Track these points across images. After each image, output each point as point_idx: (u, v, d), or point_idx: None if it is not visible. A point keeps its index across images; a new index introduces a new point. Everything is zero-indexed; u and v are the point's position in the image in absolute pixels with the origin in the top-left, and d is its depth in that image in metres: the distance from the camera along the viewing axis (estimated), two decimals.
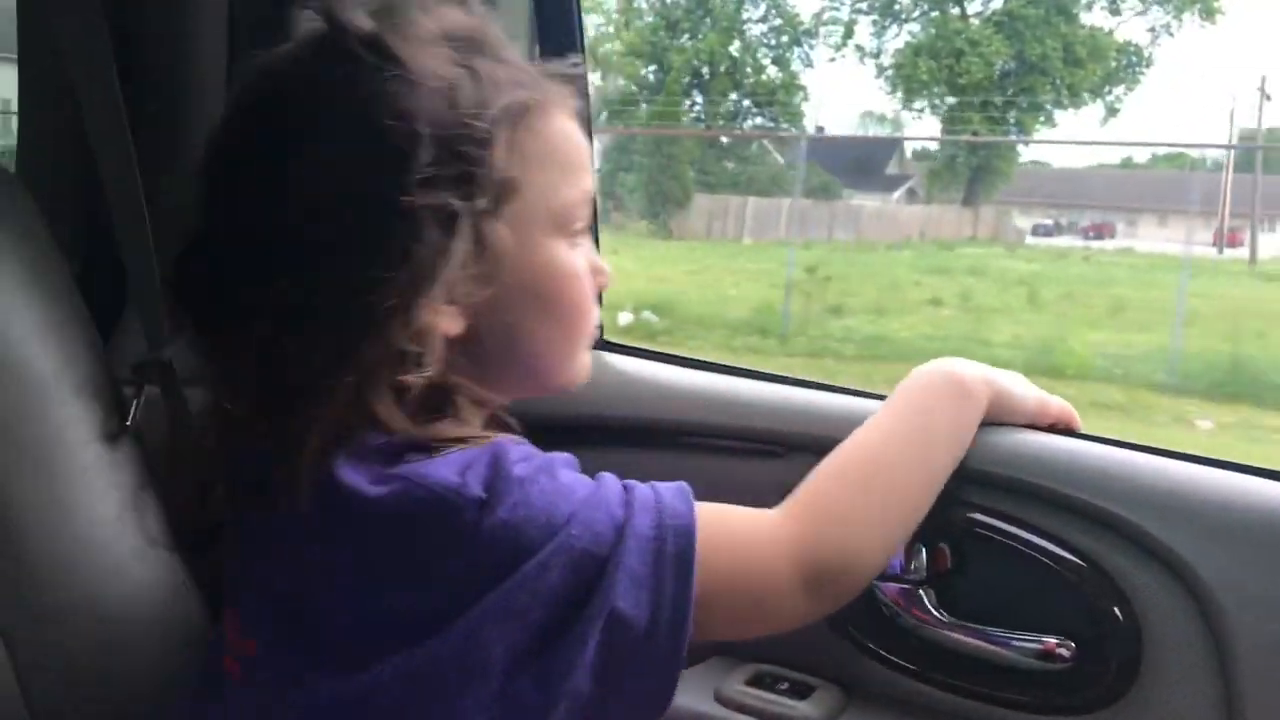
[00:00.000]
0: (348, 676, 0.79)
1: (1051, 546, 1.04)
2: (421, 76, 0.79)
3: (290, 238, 0.80)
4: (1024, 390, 1.07)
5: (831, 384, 1.22)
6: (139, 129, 1.18)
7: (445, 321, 0.81)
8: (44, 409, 1.12)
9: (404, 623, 0.78)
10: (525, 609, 0.76)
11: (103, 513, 1.14)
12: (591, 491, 0.81)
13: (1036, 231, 20.81)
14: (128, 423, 1.19)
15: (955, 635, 1.07)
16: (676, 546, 0.80)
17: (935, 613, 1.08)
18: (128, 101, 1.17)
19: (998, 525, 1.06)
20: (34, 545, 1.07)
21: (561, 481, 0.81)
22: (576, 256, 0.90)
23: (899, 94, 19.38)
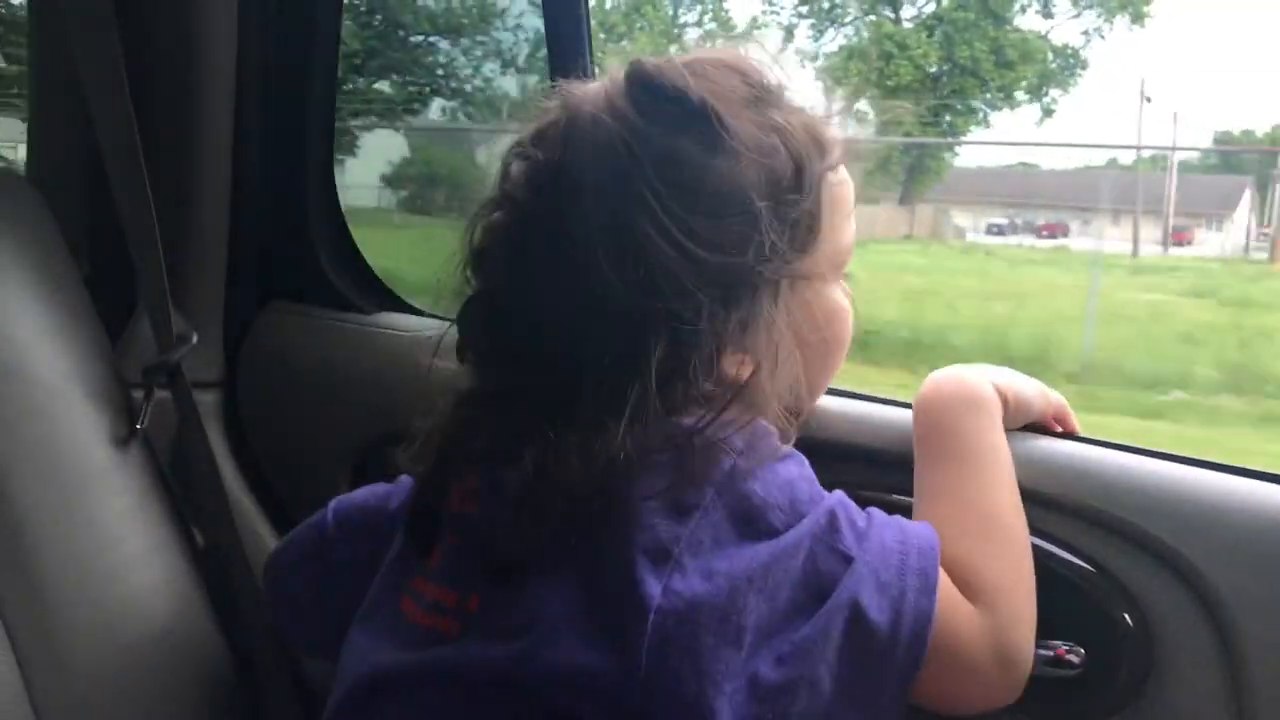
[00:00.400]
0: None
1: (1061, 553, 1.03)
2: (751, 147, 0.85)
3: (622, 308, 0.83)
4: (1029, 388, 1.05)
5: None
6: (147, 133, 1.18)
7: (742, 371, 0.86)
8: (52, 412, 1.12)
9: None
10: (777, 585, 0.79)
11: (111, 515, 1.14)
12: (839, 497, 0.86)
13: (990, 230, 21.04)
14: (138, 426, 1.20)
15: None
16: (920, 562, 0.84)
17: None
18: (137, 106, 1.17)
19: None
20: (42, 547, 1.08)
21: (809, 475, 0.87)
22: (842, 296, 0.97)
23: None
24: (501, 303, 0.89)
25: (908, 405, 1.04)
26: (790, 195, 0.87)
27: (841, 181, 0.95)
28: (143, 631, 1.14)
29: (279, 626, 1.20)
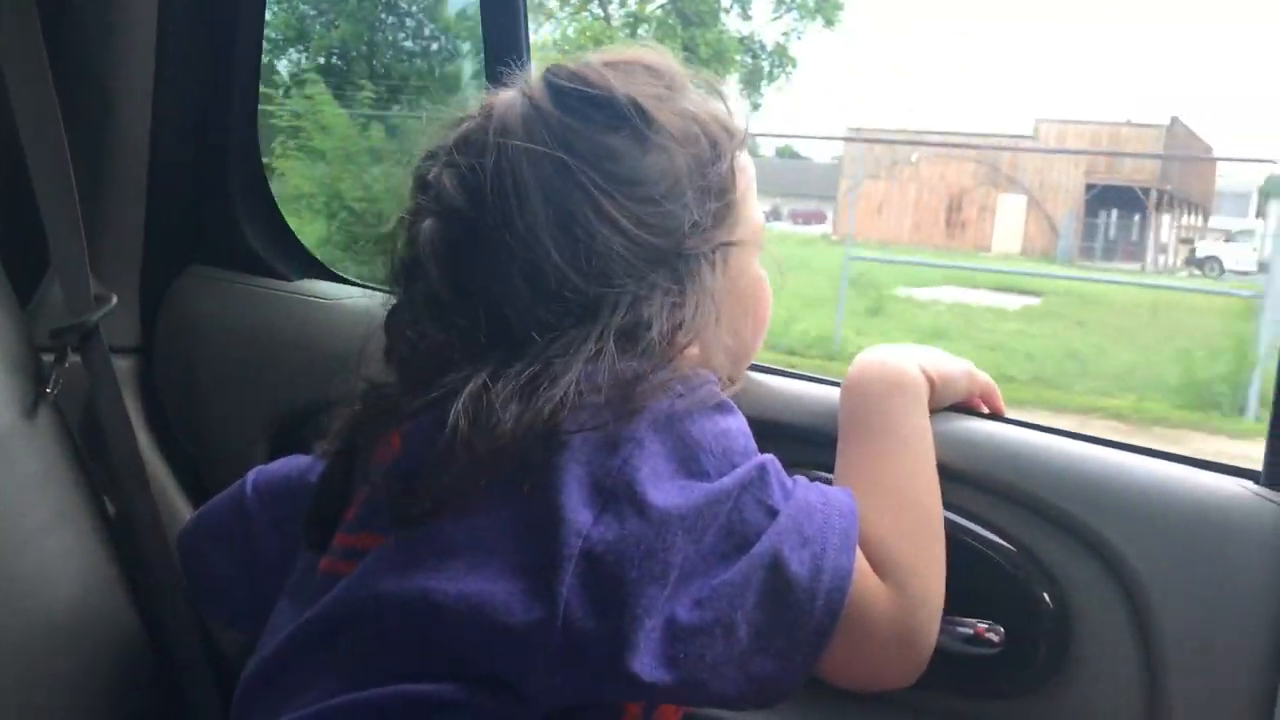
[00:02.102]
0: None
1: (983, 531, 1.04)
2: (677, 137, 0.91)
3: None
4: (955, 368, 1.07)
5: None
6: (62, 90, 1.14)
7: (688, 336, 0.90)
8: None
9: None
10: (704, 528, 0.81)
11: (17, 482, 1.11)
12: (771, 457, 0.88)
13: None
14: (48, 390, 1.16)
15: None
16: (842, 523, 0.85)
17: None
18: (52, 62, 1.13)
19: None
20: None
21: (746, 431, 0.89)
22: (761, 268, 1.01)
23: None
24: (442, 305, 0.90)
25: (839, 384, 1.04)
26: (713, 178, 0.93)
27: (746, 163, 0.99)
28: (51, 600, 1.11)
29: (194, 597, 1.18)
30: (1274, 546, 0.96)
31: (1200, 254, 21.80)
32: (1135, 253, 22.63)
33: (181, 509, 1.45)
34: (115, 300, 1.23)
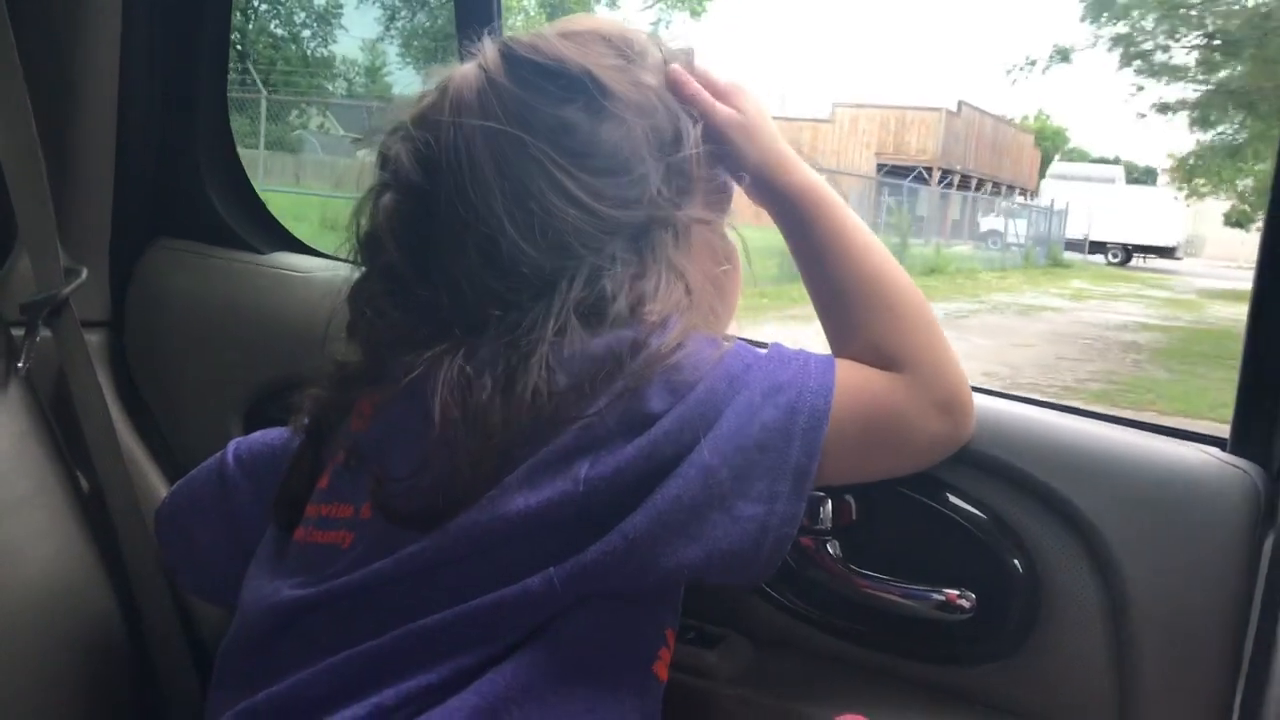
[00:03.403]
0: None
1: (953, 499, 1.05)
2: (632, 108, 0.90)
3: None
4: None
5: None
6: (28, 61, 1.13)
7: (657, 306, 0.89)
8: None
9: None
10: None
11: None
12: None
13: None
14: (19, 365, 1.15)
15: (859, 587, 1.08)
16: (818, 365, 0.89)
17: (840, 564, 1.09)
18: (17, 34, 1.12)
19: (901, 477, 1.07)
20: None
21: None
22: (730, 234, 1.01)
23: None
24: (401, 280, 0.90)
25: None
26: (672, 147, 0.92)
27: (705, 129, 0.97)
28: (25, 578, 1.10)
29: (173, 570, 1.17)
30: (1240, 512, 0.97)
31: (983, 228, 24.45)
32: (920, 229, 23.39)
33: (155, 484, 1.44)
34: (85, 273, 1.22)
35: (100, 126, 1.42)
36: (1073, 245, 25.74)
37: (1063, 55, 15.57)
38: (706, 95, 0.98)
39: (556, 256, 0.86)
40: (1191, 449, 1.02)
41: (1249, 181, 18.46)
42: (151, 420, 1.51)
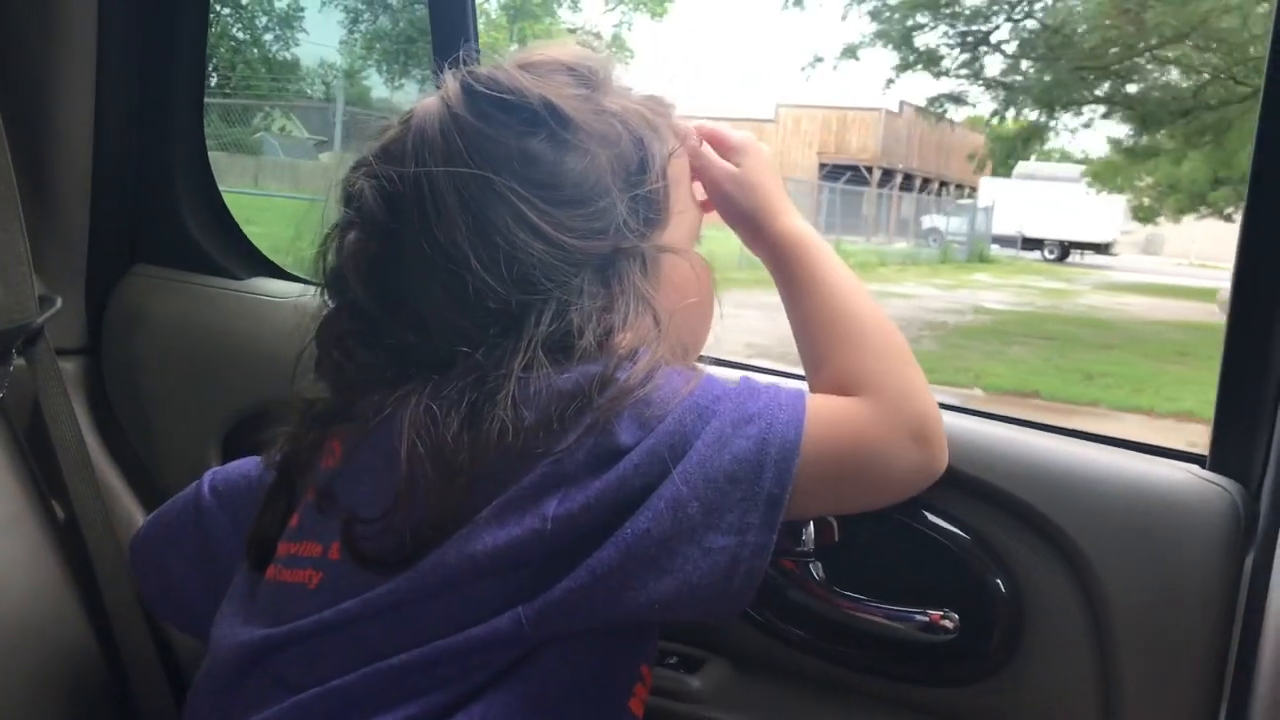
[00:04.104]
0: None
1: (936, 519, 1.05)
2: (596, 137, 0.90)
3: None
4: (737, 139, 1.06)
5: None
6: (3, 89, 1.13)
7: (626, 337, 0.88)
8: None
9: None
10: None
11: None
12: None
13: None
14: None
15: (842, 608, 1.08)
16: (788, 397, 0.87)
17: (822, 586, 1.08)
18: None
19: None
20: None
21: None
22: (701, 260, 0.99)
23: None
24: (367, 319, 0.90)
25: (800, 377, 1.03)
26: (638, 177, 0.92)
27: (681, 157, 0.98)
28: (0, 608, 1.09)
29: (150, 602, 1.16)
30: (1220, 530, 0.97)
31: (925, 226, 25.26)
32: (860, 226, 24.21)
33: (133, 513, 1.43)
34: (60, 302, 1.22)
35: (75, 154, 1.42)
36: (1011, 242, 26.54)
37: (851, 52, 15.90)
38: (706, 152, 1.02)
39: (523, 291, 0.86)
40: (1171, 467, 1.03)
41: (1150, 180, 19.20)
42: (129, 448, 1.50)
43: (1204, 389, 8.28)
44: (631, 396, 0.82)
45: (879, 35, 14.47)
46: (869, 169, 25.61)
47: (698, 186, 1.03)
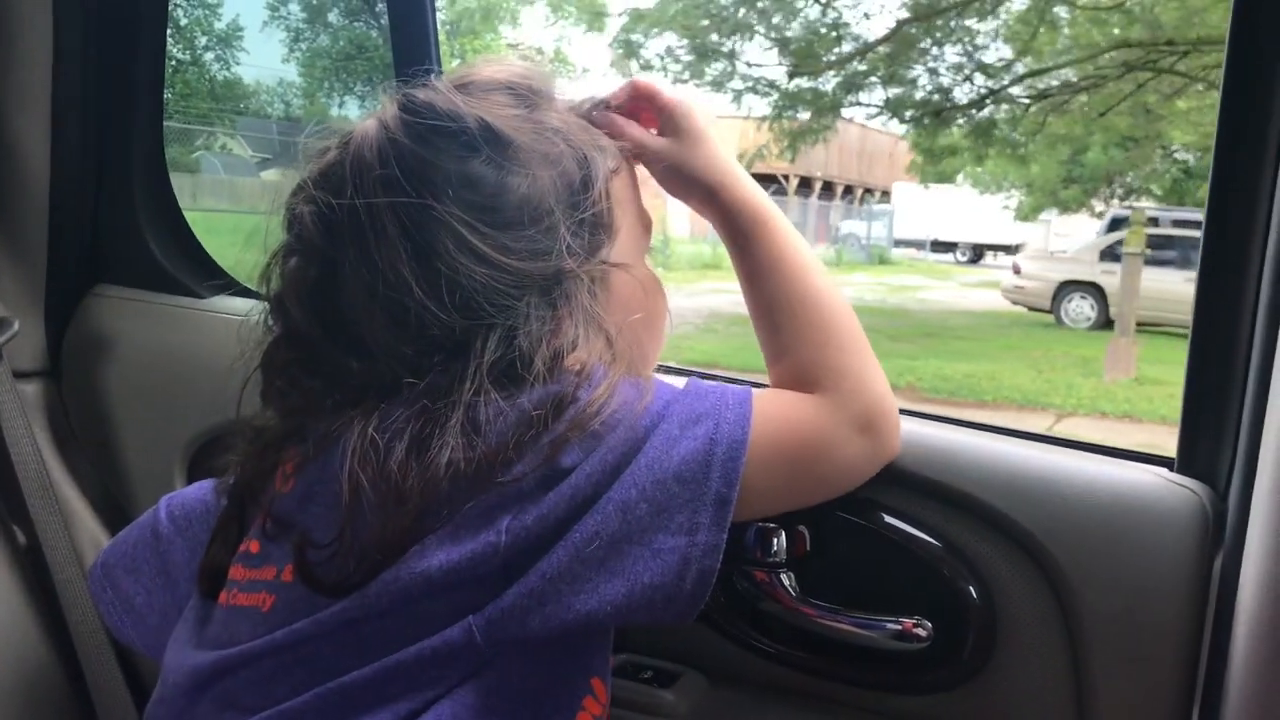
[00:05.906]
0: None
1: (907, 528, 1.05)
2: (537, 157, 0.88)
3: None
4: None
5: None
6: None
7: (578, 355, 0.87)
8: None
9: None
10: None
11: None
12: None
13: None
14: None
15: (815, 618, 1.07)
16: (735, 397, 0.87)
17: (795, 596, 1.08)
18: None
19: (854, 507, 1.07)
20: None
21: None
22: (652, 272, 1.00)
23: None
24: (310, 346, 0.89)
25: (748, 383, 1.03)
26: (582, 196, 0.91)
27: (624, 175, 0.97)
28: None
29: (113, 628, 1.15)
30: (1190, 533, 0.97)
31: (843, 231, 26.07)
32: None
33: (97, 534, 1.41)
34: (18, 325, 1.20)
35: (32, 173, 1.40)
36: (921, 245, 27.53)
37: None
38: (636, 130, 0.99)
39: (467, 317, 0.84)
40: (1140, 470, 1.03)
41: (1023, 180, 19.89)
42: (94, 471, 1.48)
43: (908, 361, 9.65)
44: (592, 423, 0.82)
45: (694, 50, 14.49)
46: (785, 177, 25.80)
47: (646, 190, 1.01)
